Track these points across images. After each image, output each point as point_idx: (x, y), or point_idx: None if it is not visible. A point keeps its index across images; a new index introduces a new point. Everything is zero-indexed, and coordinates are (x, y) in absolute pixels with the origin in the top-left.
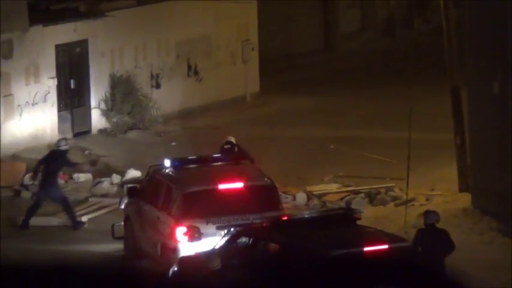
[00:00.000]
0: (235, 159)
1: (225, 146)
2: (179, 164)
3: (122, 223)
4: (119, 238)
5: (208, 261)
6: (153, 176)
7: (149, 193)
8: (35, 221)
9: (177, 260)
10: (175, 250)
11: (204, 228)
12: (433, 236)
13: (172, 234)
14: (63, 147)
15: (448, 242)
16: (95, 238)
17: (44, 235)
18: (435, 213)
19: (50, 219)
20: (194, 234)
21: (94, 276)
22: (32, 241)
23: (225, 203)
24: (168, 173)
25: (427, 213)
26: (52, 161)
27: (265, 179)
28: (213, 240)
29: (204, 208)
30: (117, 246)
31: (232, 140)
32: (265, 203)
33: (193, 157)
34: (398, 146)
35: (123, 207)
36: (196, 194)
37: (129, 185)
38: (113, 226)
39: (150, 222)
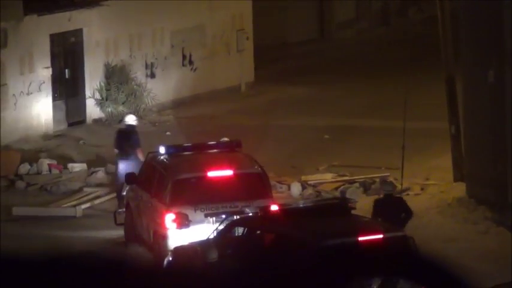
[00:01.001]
0: (230, 146)
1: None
2: (174, 150)
3: (124, 210)
4: (121, 224)
5: (205, 253)
6: (149, 162)
7: (145, 180)
8: (29, 211)
9: (171, 250)
10: (164, 237)
11: (193, 215)
12: (390, 204)
13: (162, 221)
14: (134, 123)
15: (405, 209)
16: (98, 224)
17: (44, 223)
18: (391, 183)
19: (47, 209)
20: (182, 221)
21: (88, 263)
22: (33, 228)
23: (214, 190)
24: (162, 160)
25: (383, 184)
26: (126, 139)
27: (256, 167)
28: (202, 228)
29: (193, 195)
30: (120, 232)
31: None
32: (255, 191)
33: (188, 144)
34: (393, 135)
35: (124, 193)
36: (185, 181)
37: (127, 172)
38: (115, 212)
39: (144, 208)
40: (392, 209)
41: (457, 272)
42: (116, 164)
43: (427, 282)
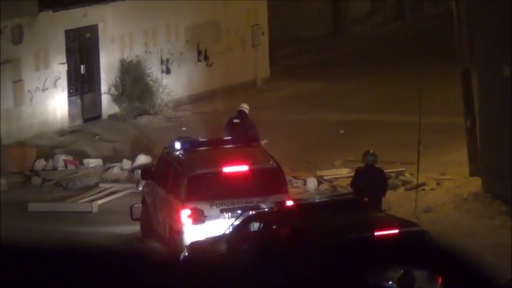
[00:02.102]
0: (246, 141)
1: (234, 120)
2: (189, 146)
3: (140, 205)
4: (137, 219)
5: (214, 246)
6: (164, 158)
7: (160, 175)
8: (46, 206)
9: (187, 246)
10: (180, 232)
11: (208, 210)
12: (370, 174)
13: (177, 217)
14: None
15: (384, 180)
16: (114, 220)
17: (60, 218)
18: (373, 154)
19: (61, 204)
20: (198, 217)
21: (103, 257)
22: (49, 224)
23: (230, 186)
24: (177, 155)
25: (365, 155)
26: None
27: (271, 162)
28: (217, 223)
29: (208, 191)
30: (136, 228)
31: (245, 108)
32: (270, 186)
33: (203, 139)
34: (408, 130)
35: (140, 189)
36: (201, 177)
37: (143, 167)
38: (131, 207)
39: (160, 204)
40: (372, 179)
41: (474, 262)
42: None
43: (443, 271)
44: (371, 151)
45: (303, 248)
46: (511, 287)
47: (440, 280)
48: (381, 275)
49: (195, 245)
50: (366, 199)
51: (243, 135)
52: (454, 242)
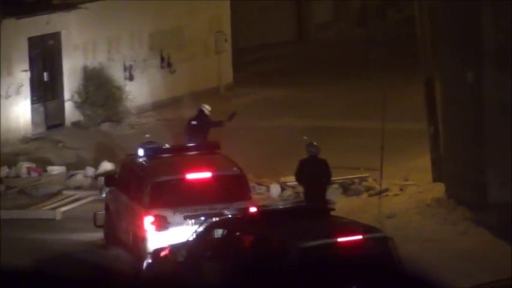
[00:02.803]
0: (209, 148)
1: (192, 122)
2: (152, 153)
3: (104, 212)
4: (101, 226)
5: (174, 253)
6: (128, 164)
7: (123, 182)
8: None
9: (150, 253)
10: (143, 239)
11: (172, 217)
12: (314, 164)
13: (141, 224)
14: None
15: (327, 172)
16: (78, 227)
17: (23, 226)
18: (315, 146)
19: (25, 211)
20: (161, 224)
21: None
22: (12, 231)
23: (193, 192)
24: (140, 162)
25: (308, 146)
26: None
27: (235, 169)
28: (181, 230)
29: (171, 198)
30: (100, 235)
31: (206, 108)
32: (234, 193)
33: (166, 146)
34: (372, 136)
35: (104, 195)
36: (164, 184)
37: (106, 174)
38: (95, 214)
39: (124, 211)
40: (316, 169)
41: (436, 279)
42: None
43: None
44: (314, 143)
45: (266, 255)
46: None
47: None
48: (344, 280)
49: (157, 252)
50: (331, 206)
51: (201, 137)
52: (416, 249)
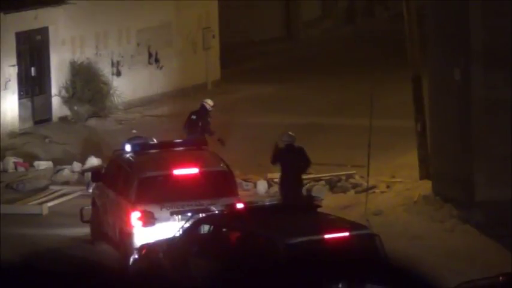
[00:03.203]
0: (196, 144)
1: (192, 117)
2: (139, 148)
3: (90, 207)
4: (87, 222)
5: (160, 249)
6: (115, 160)
7: (110, 177)
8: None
9: (136, 248)
10: (130, 235)
11: (158, 213)
12: (290, 153)
13: (127, 219)
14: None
15: (304, 158)
16: (64, 222)
17: (10, 221)
18: (290, 135)
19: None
20: (148, 219)
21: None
22: (0, 226)
23: (180, 188)
24: (127, 158)
25: (282, 136)
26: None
27: (221, 165)
28: (167, 226)
29: (158, 193)
30: (86, 230)
31: (207, 103)
32: (221, 189)
33: (154, 142)
34: (359, 133)
35: (90, 191)
36: (151, 179)
37: (93, 169)
38: (81, 210)
39: (110, 206)
40: (293, 157)
41: (423, 274)
42: None
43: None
44: (289, 132)
45: (253, 251)
46: None
47: None
48: (331, 277)
49: (143, 247)
50: (318, 203)
51: (198, 132)
52: (403, 246)
